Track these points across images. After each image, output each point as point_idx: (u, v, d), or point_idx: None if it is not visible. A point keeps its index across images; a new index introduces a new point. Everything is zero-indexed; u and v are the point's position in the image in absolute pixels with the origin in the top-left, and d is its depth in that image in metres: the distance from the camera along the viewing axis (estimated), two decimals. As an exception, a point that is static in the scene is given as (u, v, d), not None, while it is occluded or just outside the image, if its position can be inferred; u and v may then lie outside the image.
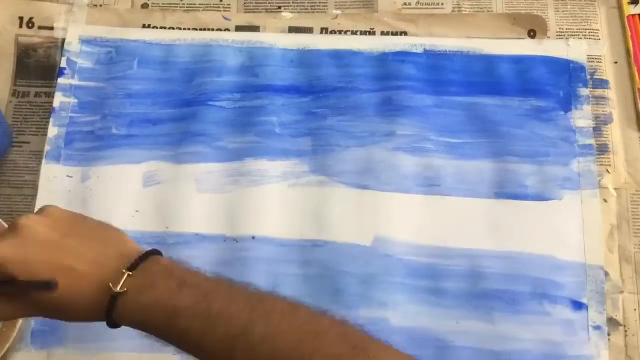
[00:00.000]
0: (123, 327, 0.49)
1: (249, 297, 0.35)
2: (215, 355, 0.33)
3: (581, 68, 0.57)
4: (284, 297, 0.35)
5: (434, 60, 0.58)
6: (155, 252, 0.37)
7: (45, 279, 0.35)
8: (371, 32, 0.60)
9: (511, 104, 0.56)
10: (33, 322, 0.50)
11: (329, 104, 0.56)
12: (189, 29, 0.60)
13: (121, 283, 0.34)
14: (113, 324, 0.35)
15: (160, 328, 0.35)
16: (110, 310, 0.35)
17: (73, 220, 0.39)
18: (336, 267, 0.51)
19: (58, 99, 0.56)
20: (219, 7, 0.61)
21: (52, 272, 0.35)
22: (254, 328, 0.32)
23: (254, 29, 0.60)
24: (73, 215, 0.39)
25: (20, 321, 0.48)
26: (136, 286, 0.34)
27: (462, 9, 0.61)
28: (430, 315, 0.50)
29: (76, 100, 0.57)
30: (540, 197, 0.53)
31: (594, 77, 0.57)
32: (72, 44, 0.58)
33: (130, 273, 0.35)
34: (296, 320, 0.33)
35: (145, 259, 0.36)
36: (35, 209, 0.52)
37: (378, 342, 0.33)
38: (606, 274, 0.51)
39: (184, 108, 0.56)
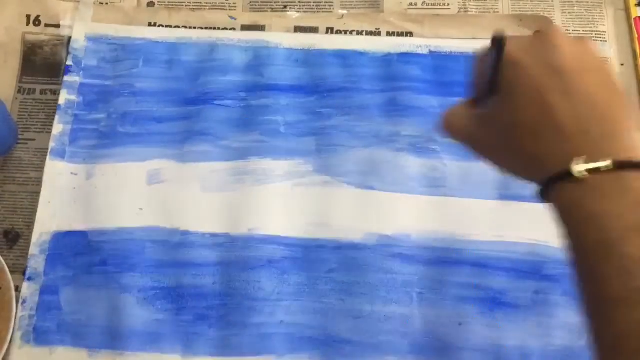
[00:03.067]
0: (127, 327, 0.50)
1: None
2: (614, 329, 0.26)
3: (587, 70, 0.57)
4: None
5: (440, 62, 0.58)
6: None
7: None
8: (377, 33, 0.60)
9: (517, 105, 0.56)
10: (36, 319, 0.50)
11: (334, 104, 0.56)
12: (194, 27, 0.60)
13: (585, 168, 0.28)
14: (542, 197, 0.30)
15: (579, 246, 0.28)
16: (550, 186, 0.29)
17: (598, 65, 0.32)
18: (340, 267, 0.51)
19: (64, 97, 0.56)
20: (224, 6, 0.61)
21: (528, 98, 0.30)
22: None
23: (260, 28, 0.60)
24: (601, 62, 0.32)
25: (13, 321, 0.48)
26: (598, 185, 0.28)
27: (468, 9, 0.60)
28: (433, 316, 0.50)
29: (82, 98, 0.57)
30: (545, 199, 0.53)
31: (601, 79, 0.57)
32: (78, 42, 0.58)
33: (607, 167, 0.28)
34: None
35: (634, 167, 0.28)
36: (40, 207, 0.53)
37: None
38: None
39: (189, 107, 0.56)
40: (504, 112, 0.32)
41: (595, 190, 0.28)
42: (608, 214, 0.27)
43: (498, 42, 0.33)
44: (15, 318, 0.49)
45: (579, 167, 0.28)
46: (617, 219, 0.27)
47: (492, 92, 0.33)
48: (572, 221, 0.29)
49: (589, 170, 0.28)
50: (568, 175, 0.28)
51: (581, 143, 0.29)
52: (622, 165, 0.28)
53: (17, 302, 0.49)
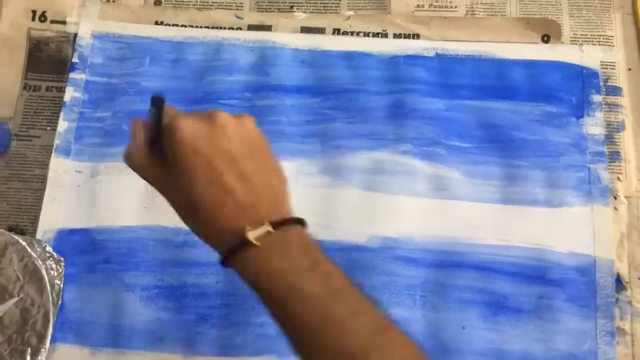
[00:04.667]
0: (129, 326, 0.49)
1: (376, 320, 0.33)
2: (308, 350, 0.32)
3: (594, 74, 0.57)
4: (405, 334, 0.33)
5: (446, 64, 0.58)
6: (301, 222, 0.35)
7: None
8: (383, 34, 0.59)
9: (523, 109, 0.56)
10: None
11: (339, 106, 0.56)
12: (201, 27, 0.60)
13: (258, 234, 0.33)
14: (224, 264, 0.34)
15: (271, 297, 0.33)
16: (234, 252, 0.33)
17: (259, 144, 0.37)
18: (343, 269, 0.51)
19: (69, 94, 0.56)
20: (231, 5, 0.61)
21: (207, 179, 0.34)
22: (369, 357, 0.31)
23: (266, 28, 0.60)
24: (261, 139, 0.37)
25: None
26: (270, 246, 0.33)
27: (476, 12, 0.60)
28: (437, 319, 0.50)
29: (87, 96, 0.57)
30: (550, 204, 0.53)
31: (608, 83, 0.57)
32: (85, 39, 0.58)
33: (272, 231, 0.33)
34: None
35: (290, 223, 0.34)
36: (44, 204, 0.53)
37: None
38: (615, 282, 0.51)
39: (195, 106, 0.56)
40: (183, 188, 0.35)
41: (269, 250, 0.33)
42: (285, 266, 0.33)
43: (157, 102, 0.36)
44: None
45: (252, 234, 0.33)
46: (292, 266, 0.33)
47: (156, 144, 0.36)
48: (260, 281, 0.34)
49: (260, 237, 0.33)
50: (245, 244, 0.33)
51: (253, 215, 0.34)
52: (279, 224, 0.34)
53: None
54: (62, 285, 0.50)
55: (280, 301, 0.33)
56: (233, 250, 0.33)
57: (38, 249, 0.50)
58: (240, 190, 0.34)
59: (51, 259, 0.50)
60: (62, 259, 0.50)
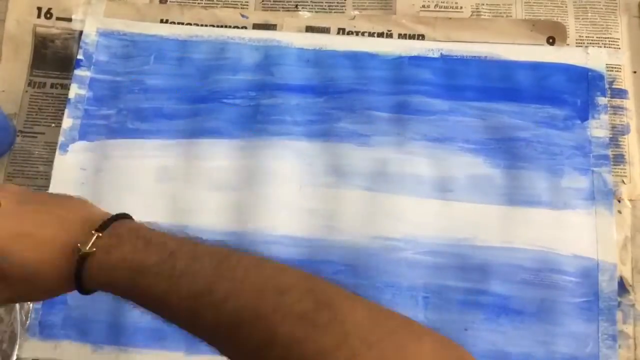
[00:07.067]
0: (131, 324, 0.50)
1: (214, 255, 0.33)
2: (179, 314, 0.33)
3: (600, 77, 0.57)
4: (251, 253, 0.34)
5: (451, 65, 0.57)
6: (124, 216, 0.37)
7: None
8: (388, 34, 0.59)
9: (527, 111, 0.56)
10: (41, 312, 0.50)
11: (343, 106, 0.56)
12: (206, 25, 0.60)
13: (90, 243, 0.34)
14: (83, 289, 0.35)
15: (125, 287, 0.34)
16: (80, 273, 0.34)
17: (31, 193, 0.38)
18: (346, 269, 0.51)
19: (74, 91, 0.56)
20: (237, 4, 0.61)
21: (7, 241, 0.34)
22: (217, 286, 0.32)
23: (271, 27, 0.60)
24: (29, 190, 0.39)
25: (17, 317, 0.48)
26: (104, 246, 0.34)
27: (481, 13, 0.60)
28: (439, 321, 0.50)
29: (92, 93, 0.57)
30: (553, 206, 0.52)
31: (613, 86, 0.57)
32: (90, 37, 0.58)
33: (100, 234, 0.34)
34: (261, 276, 0.32)
35: (113, 221, 0.36)
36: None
37: (345, 295, 0.32)
38: (618, 285, 0.51)
39: (199, 104, 0.56)
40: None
41: (105, 251, 0.34)
42: (122, 254, 0.33)
43: None
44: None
45: (85, 246, 0.33)
46: (128, 252, 0.33)
47: None
48: (111, 280, 0.34)
49: (92, 245, 0.34)
50: (83, 257, 0.34)
51: (68, 235, 0.34)
52: (101, 227, 0.34)
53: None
54: (31, 306, 0.49)
55: (130, 285, 0.33)
56: (77, 270, 0.34)
57: None
58: (40, 227, 0.35)
59: None
60: None
